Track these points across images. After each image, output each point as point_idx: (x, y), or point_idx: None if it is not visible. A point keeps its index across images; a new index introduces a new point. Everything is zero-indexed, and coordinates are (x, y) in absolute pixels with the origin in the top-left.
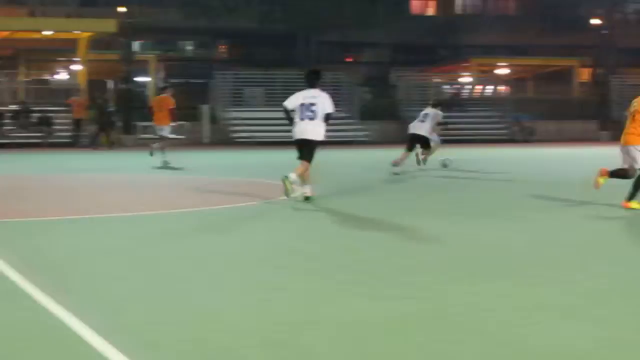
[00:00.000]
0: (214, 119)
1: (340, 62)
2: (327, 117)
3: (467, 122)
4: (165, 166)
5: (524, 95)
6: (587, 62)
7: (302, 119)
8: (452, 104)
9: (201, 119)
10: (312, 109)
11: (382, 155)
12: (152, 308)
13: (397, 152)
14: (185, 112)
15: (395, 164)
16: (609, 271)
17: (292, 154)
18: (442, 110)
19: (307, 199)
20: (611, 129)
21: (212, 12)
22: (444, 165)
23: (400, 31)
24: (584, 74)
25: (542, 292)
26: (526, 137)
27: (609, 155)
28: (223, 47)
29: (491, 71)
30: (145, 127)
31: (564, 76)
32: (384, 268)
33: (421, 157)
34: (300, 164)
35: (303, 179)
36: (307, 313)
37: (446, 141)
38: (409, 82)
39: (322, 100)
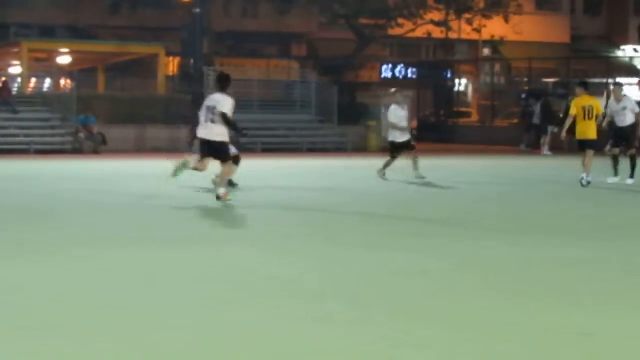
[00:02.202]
0: None
1: None
2: None
3: (18, 127)
4: None
5: (93, 92)
6: (174, 49)
7: None
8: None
9: None
10: None
11: None
12: None
13: None
14: None
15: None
16: None
17: None
18: None
19: None
20: None
21: None
22: None
23: None
24: (172, 65)
25: None
26: (96, 147)
27: None
28: None
29: (50, 59)
30: None
31: (146, 67)
32: None
33: None
34: None
35: None
36: None
37: None
38: None
39: None
